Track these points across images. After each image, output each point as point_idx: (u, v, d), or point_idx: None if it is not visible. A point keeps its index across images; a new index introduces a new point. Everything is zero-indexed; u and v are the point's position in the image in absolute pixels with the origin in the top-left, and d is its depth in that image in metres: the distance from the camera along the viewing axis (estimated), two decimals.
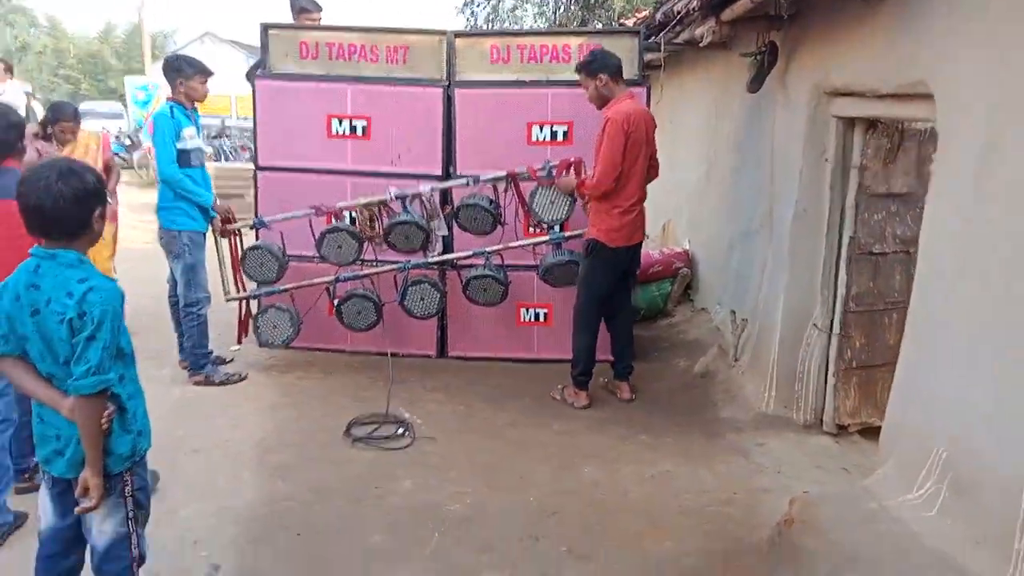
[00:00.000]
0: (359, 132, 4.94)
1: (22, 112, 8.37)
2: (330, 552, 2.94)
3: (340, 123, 4.94)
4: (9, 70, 8.39)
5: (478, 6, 17.60)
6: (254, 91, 4.99)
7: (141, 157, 15.53)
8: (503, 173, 4.59)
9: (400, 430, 3.99)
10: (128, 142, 16.41)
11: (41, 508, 2.17)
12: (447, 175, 4.94)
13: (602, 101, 4.25)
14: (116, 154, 13.90)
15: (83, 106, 23.51)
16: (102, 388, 1.97)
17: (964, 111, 2.67)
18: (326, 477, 3.51)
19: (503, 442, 3.98)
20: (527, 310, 5.09)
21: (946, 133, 2.80)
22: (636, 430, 4.16)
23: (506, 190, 4.64)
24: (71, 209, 1.98)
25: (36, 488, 3.06)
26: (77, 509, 2.04)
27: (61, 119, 4.92)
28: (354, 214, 4.80)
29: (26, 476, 3.23)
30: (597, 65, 4.20)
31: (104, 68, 37.22)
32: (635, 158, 4.17)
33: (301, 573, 2.82)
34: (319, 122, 4.94)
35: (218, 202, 4.65)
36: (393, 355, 4.94)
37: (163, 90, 17.90)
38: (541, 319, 5.11)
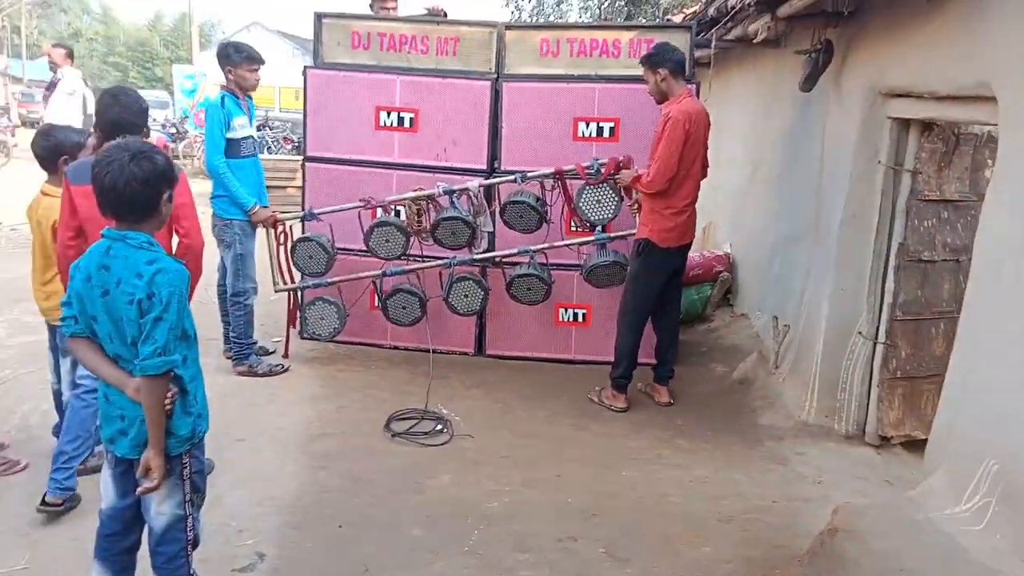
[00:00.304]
0: (407, 124, 4.98)
1: (81, 99, 8.55)
2: (371, 543, 2.98)
3: (388, 115, 4.98)
4: (70, 56, 8.58)
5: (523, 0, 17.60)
6: (305, 81, 5.05)
7: (186, 146, 15.82)
8: (550, 170, 4.60)
9: (439, 426, 4.03)
10: (174, 131, 16.72)
11: (103, 488, 2.23)
12: (492, 170, 4.96)
13: (661, 96, 4.23)
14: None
15: None
16: (167, 368, 2.02)
17: None
18: (367, 469, 3.56)
19: (540, 441, 3.99)
20: (566, 310, 5.09)
21: (1008, 137, 2.74)
22: (674, 434, 4.14)
23: (553, 188, 4.64)
24: (141, 190, 2.04)
25: (90, 471, 3.20)
26: (139, 490, 2.10)
27: None
28: (399, 207, 4.84)
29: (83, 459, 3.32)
30: (659, 58, 4.16)
31: (152, 56, 38.02)
32: (692, 159, 4.15)
33: (343, 563, 2.86)
34: (368, 113, 4.99)
35: (257, 208, 4.60)
36: (432, 351, 4.99)
37: (209, 79, 18.27)
38: (580, 319, 5.11)
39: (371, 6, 5.38)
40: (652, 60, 4.19)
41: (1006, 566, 2.33)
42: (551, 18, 17.24)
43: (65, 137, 3.21)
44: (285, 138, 15.85)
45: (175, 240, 3.04)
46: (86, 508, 3.01)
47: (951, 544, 2.50)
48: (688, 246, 4.44)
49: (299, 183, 5.56)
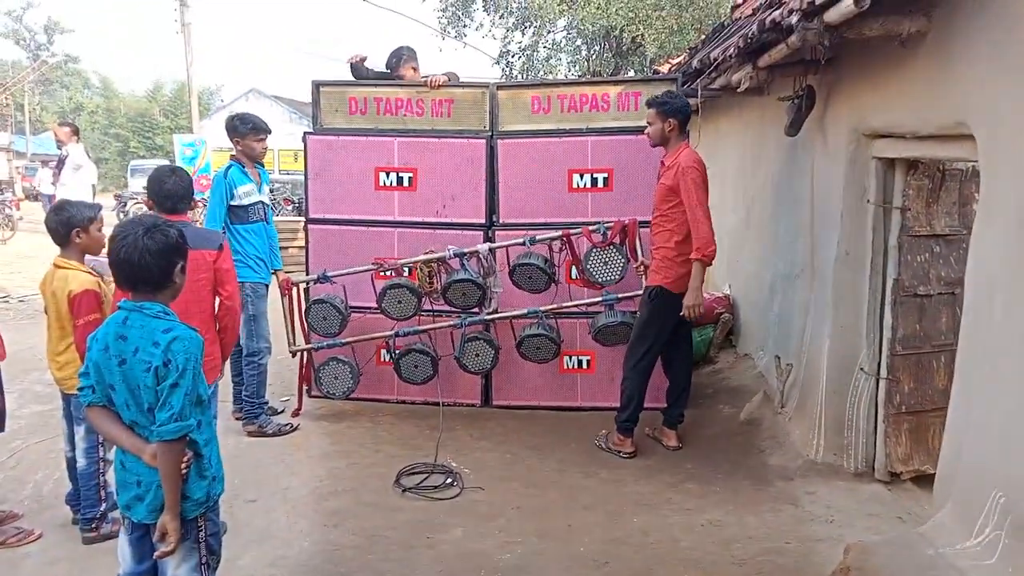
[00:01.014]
0: (405, 183, 5.11)
1: (89, 171, 8.78)
2: None
3: (387, 175, 5.12)
4: (75, 133, 8.84)
5: (514, 56, 18.04)
6: (306, 146, 5.19)
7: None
8: (558, 233, 4.72)
9: (448, 480, 4.04)
10: None
11: (120, 554, 2.26)
12: (491, 223, 5.07)
13: (661, 143, 4.33)
14: None
15: (132, 164, 24.48)
16: (183, 433, 2.07)
17: (1007, 150, 2.70)
18: (379, 525, 3.57)
19: (551, 491, 4.00)
20: (570, 357, 5.13)
21: (989, 173, 2.83)
22: (683, 478, 4.15)
23: (561, 250, 4.75)
24: (154, 262, 2.13)
25: (102, 538, 3.23)
26: (156, 554, 2.13)
27: None
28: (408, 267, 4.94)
29: (93, 526, 3.34)
30: (672, 108, 4.25)
31: (151, 126, 38.72)
32: None
33: None
34: (367, 175, 5.13)
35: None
36: (436, 404, 5.02)
37: (210, 146, 18.61)
38: (584, 366, 5.15)
39: (394, 69, 5.52)
40: (666, 108, 4.26)
41: None
42: (541, 73, 17.66)
43: (77, 212, 3.32)
44: (285, 199, 16.07)
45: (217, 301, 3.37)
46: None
47: None
48: None
49: (300, 243, 5.67)
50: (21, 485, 3.94)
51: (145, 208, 4.13)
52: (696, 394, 5.34)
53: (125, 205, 20.36)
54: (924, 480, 3.82)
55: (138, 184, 19.23)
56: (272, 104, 31.98)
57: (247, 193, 4.68)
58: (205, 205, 15.41)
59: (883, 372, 3.96)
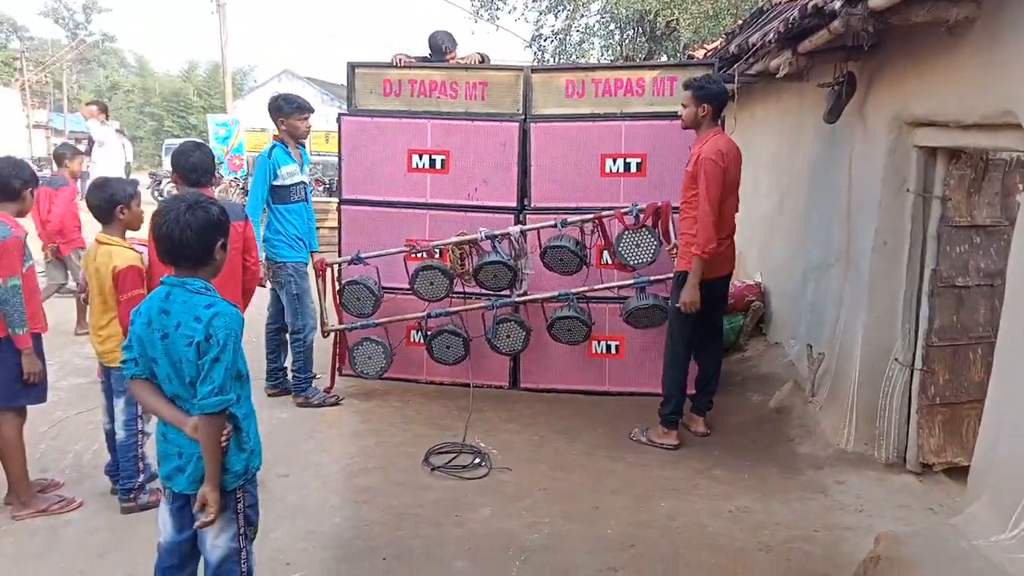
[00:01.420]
0: (438, 166, 5.13)
1: (119, 149, 8.89)
2: None
3: (420, 157, 5.14)
4: (102, 111, 8.94)
5: (546, 40, 17.92)
6: (340, 128, 5.23)
7: (221, 191, 16.23)
8: (590, 216, 4.70)
9: (476, 460, 4.08)
10: None
11: (161, 523, 2.32)
12: (522, 207, 5.07)
13: (693, 126, 4.28)
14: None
15: (166, 143, 24.79)
16: (224, 407, 2.12)
17: None
18: (408, 503, 3.62)
19: (578, 473, 4.02)
20: (599, 342, 5.14)
21: None
22: (711, 464, 4.15)
23: (593, 232, 4.74)
24: (195, 238, 2.17)
25: (139, 508, 3.32)
26: (196, 524, 2.19)
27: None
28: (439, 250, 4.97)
29: (131, 496, 3.43)
30: (707, 94, 4.18)
31: (186, 105, 39.13)
32: (727, 195, 4.20)
33: None
34: (400, 156, 5.15)
35: (264, 268, 4.67)
36: (464, 385, 5.07)
37: (243, 126, 18.77)
38: (613, 351, 5.15)
39: (434, 56, 5.52)
40: (701, 93, 4.19)
41: None
42: (573, 57, 17.52)
43: (120, 188, 3.38)
44: (316, 180, 16.17)
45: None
46: (136, 547, 3.11)
47: (998, 573, 2.48)
48: (727, 277, 4.47)
49: (331, 223, 5.72)
50: (62, 455, 4.06)
51: (174, 186, 4.28)
52: (725, 381, 5.31)
53: (160, 183, 20.66)
54: (956, 472, 3.79)
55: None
56: (305, 85, 32.15)
57: (290, 173, 4.75)
58: (233, 184, 15.52)
59: (918, 363, 3.92)
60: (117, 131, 11.23)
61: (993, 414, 2.92)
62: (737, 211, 4.45)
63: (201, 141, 4.05)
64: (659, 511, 3.61)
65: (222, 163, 17.57)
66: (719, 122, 4.35)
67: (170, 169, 4.13)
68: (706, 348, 4.54)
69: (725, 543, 3.31)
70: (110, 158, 8.83)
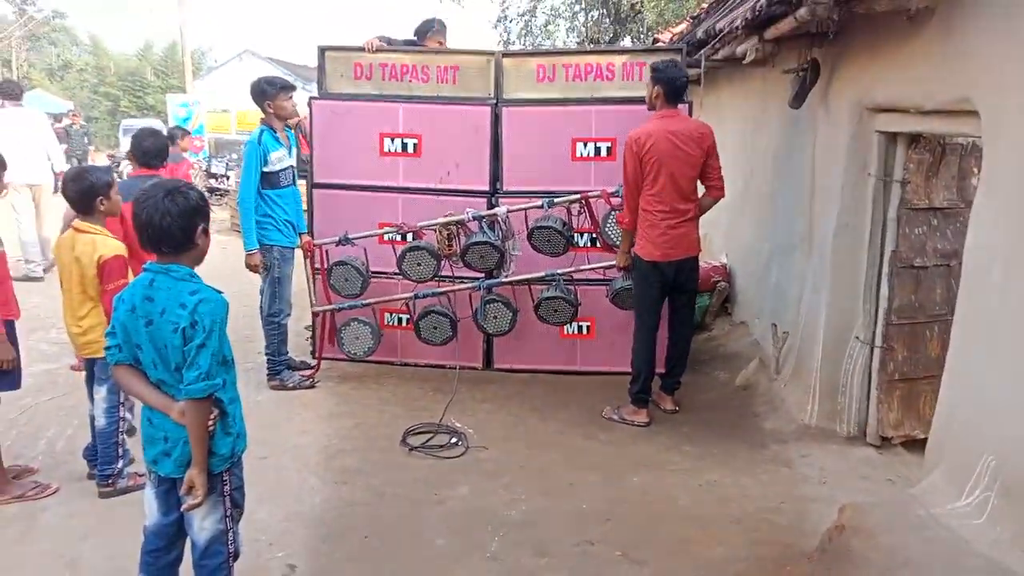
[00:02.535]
0: (410, 150, 5.14)
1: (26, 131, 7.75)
2: (397, 553, 3.10)
3: (392, 141, 5.14)
4: (9, 96, 7.84)
5: (511, 22, 17.86)
6: (311, 111, 5.20)
7: (183, 173, 15.93)
8: (576, 196, 4.76)
9: (453, 439, 4.15)
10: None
11: (147, 506, 2.35)
12: (494, 191, 5.11)
13: (650, 107, 4.41)
14: None
15: (123, 123, 24.21)
16: (211, 392, 2.15)
17: (1010, 126, 2.76)
18: (387, 482, 3.67)
19: (552, 451, 4.11)
20: (570, 323, 5.22)
21: (991, 148, 2.89)
22: (680, 441, 4.27)
23: (580, 212, 4.80)
24: (176, 224, 2.17)
25: (118, 492, 3.32)
26: (184, 507, 2.22)
27: None
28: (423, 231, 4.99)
29: (110, 481, 3.42)
30: (658, 76, 4.32)
31: (143, 85, 38.11)
32: (656, 176, 4.25)
33: (371, 573, 2.97)
34: (372, 140, 5.14)
35: (255, 252, 4.68)
36: (439, 367, 5.12)
37: (203, 107, 18.41)
38: (584, 332, 5.24)
39: (421, 40, 5.47)
40: (654, 74, 4.35)
41: (1007, 557, 2.44)
42: (539, 39, 17.49)
43: (97, 178, 3.34)
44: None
45: None
46: (117, 530, 3.12)
47: (954, 537, 2.62)
48: (683, 263, 4.40)
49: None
50: (34, 441, 4.03)
51: (131, 166, 4.44)
52: (693, 360, 5.43)
53: (119, 165, 20.19)
54: (913, 445, 3.96)
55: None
56: (268, 66, 31.48)
57: (279, 159, 4.73)
58: (195, 165, 15.17)
59: (878, 341, 4.07)
60: (71, 112, 10.73)
61: (949, 389, 3.07)
62: (716, 196, 4.49)
63: (157, 128, 4.52)
64: (632, 486, 3.72)
65: None
66: (677, 105, 4.40)
67: (128, 150, 4.32)
68: (673, 332, 4.65)
69: (697, 515, 3.43)
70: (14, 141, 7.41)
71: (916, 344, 4.10)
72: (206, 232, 2.29)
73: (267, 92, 4.73)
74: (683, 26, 7.89)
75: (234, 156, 15.56)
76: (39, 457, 3.84)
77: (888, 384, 4.07)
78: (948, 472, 2.90)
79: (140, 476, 3.36)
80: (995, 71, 2.85)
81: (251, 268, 4.75)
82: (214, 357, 2.15)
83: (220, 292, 2.25)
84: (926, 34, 3.32)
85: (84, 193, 3.30)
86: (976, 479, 2.71)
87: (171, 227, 2.17)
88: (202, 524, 2.29)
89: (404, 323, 5.24)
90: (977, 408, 2.83)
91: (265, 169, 4.66)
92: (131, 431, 3.57)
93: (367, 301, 5.02)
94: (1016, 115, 2.73)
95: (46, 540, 3.12)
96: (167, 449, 2.25)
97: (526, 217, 4.86)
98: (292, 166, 4.87)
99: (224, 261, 6.99)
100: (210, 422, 2.20)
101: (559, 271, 4.86)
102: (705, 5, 6.77)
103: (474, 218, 4.80)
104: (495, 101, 5.08)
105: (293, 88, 4.89)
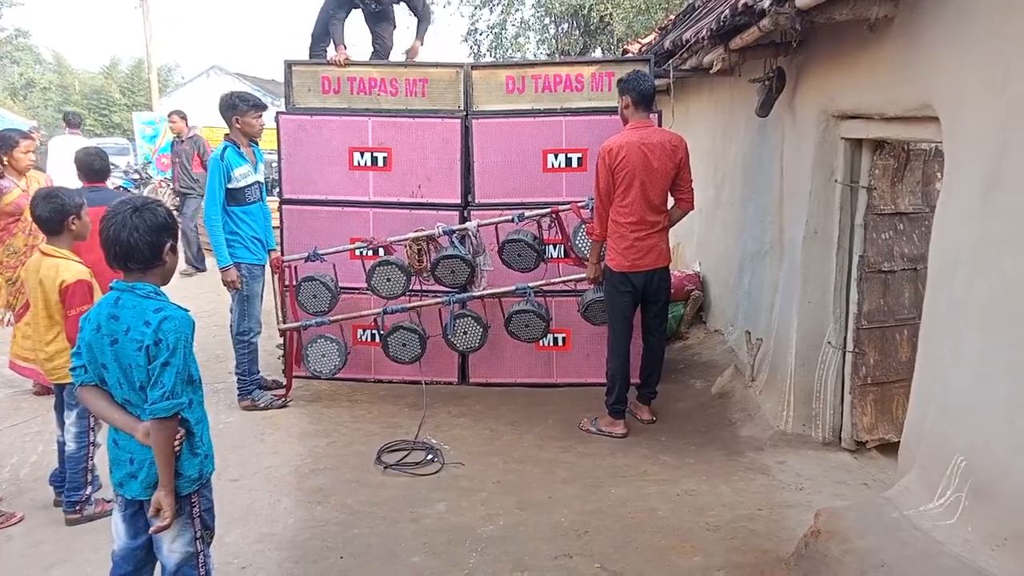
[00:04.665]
0: (380, 163, 5.11)
1: None
2: (373, 573, 3.04)
3: (362, 155, 5.11)
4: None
5: (481, 35, 17.95)
6: (278, 126, 5.16)
7: (150, 191, 15.73)
8: (547, 210, 4.75)
9: (429, 456, 4.10)
10: (137, 177, 16.61)
11: (114, 530, 2.28)
12: (466, 204, 5.10)
13: (624, 120, 4.43)
14: (125, 189, 14.07)
15: (90, 143, 23.81)
16: (176, 411, 2.10)
17: (968, 131, 2.81)
18: (362, 501, 3.62)
19: (530, 465, 4.08)
20: (543, 338, 5.19)
21: (952, 153, 2.94)
22: (658, 450, 4.26)
23: (550, 226, 4.79)
24: (143, 240, 2.13)
25: (85, 519, 3.24)
26: (152, 529, 2.16)
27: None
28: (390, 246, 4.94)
29: (77, 508, 3.34)
30: (625, 86, 4.36)
31: (108, 103, 37.60)
32: (627, 188, 4.26)
33: None
34: (341, 154, 5.12)
35: (230, 268, 4.61)
36: (414, 383, 5.08)
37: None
38: (560, 344, 5.23)
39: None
40: (620, 85, 4.41)
41: (978, 556, 2.46)
42: (509, 51, 17.60)
43: (69, 199, 3.27)
44: None
45: None
46: (84, 558, 3.05)
47: (926, 539, 2.64)
48: (653, 274, 4.40)
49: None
50: None
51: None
52: (668, 369, 5.46)
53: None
54: (888, 448, 3.99)
55: None
56: (235, 81, 31.29)
57: (244, 175, 4.66)
58: (163, 184, 14.97)
59: (849, 345, 4.11)
60: (32, 129, 10.39)
61: (920, 392, 3.09)
62: (685, 208, 4.50)
63: (100, 148, 4.72)
64: (610, 497, 3.70)
65: (150, 163, 17.04)
66: (644, 115, 4.41)
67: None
68: (647, 340, 4.65)
69: (675, 525, 3.42)
70: None
71: (887, 348, 4.14)
72: (173, 250, 2.25)
73: (237, 107, 4.67)
74: (651, 37, 7.99)
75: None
76: (3, 485, 3.73)
77: (861, 388, 4.10)
78: (920, 474, 2.92)
79: (108, 503, 3.28)
80: (953, 77, 2.90)
81: (227, 284, 4.68)
82: (179, 376, 2.10)
83: (186, 310, 2.21)
84: (887, 42, 3.37)
85: (55, 212, 3.23)
86: (947, 480, 2.73)
87: (138, 243, 2.13)
88: (171, 547, 2.23)
89: (377, 339, 5.19)
90: (946, 410, 2.86)
91: (229, 186, 4.60)
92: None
93: (335, 318, 4.95)
94: (973, 119, 2.78)
95: (11, 570, 3.02)
96: (133, 471, 2.20)
97: (496, 231, 4.84)
98: (259, 182, 4.81)
99: (199, 281, 6.89)
100: (176, 442, 2.15)
101: (530, 284, 4.84)
102: (673, 16, 6.86)
103: (445, 233, 4.78)
104: (465, 113, 5.09)
105: (264, 108, 4.83)
